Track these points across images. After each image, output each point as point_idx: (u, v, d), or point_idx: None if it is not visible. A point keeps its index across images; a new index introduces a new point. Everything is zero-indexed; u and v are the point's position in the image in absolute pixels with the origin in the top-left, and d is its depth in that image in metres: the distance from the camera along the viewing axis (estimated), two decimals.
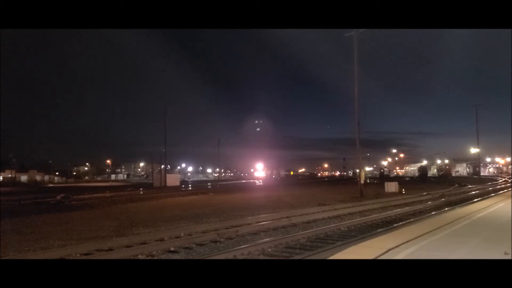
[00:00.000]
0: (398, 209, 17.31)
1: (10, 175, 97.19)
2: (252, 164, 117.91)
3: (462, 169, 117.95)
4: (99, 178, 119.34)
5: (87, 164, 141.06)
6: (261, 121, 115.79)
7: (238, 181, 77.45)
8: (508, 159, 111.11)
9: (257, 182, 68.48)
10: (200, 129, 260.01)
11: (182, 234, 11.19)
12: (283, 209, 18.25)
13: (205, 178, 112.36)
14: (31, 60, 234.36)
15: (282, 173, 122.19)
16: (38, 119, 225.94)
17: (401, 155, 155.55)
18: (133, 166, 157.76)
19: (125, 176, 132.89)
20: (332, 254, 6.52)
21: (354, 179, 57.81)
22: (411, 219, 13.96)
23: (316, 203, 21.38)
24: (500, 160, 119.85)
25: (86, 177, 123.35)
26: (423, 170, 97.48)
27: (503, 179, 58.86)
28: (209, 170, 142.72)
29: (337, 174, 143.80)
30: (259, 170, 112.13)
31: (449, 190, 32.96)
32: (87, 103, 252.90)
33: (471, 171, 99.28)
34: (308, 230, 11.39)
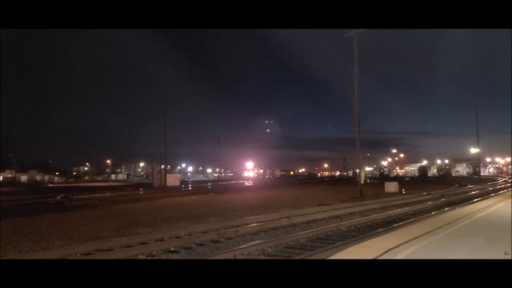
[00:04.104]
0: (398, 209, 17.30)
1: (10, 175, 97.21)
2: (251, 164, 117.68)
3: (462, 169, 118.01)
4: (99, 178, 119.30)
5: (87, 164, 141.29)
6: (261, 122, 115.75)
7: (238, 181, 77.42)
8: (508, 159, 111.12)
9: (257, 182, 68.44)
10: (200, 129, 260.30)
11: (182, 234, 11.19)
12: (283, 209, 18.25)
13: (205, 178, 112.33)
14: (31, 60, 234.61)
15: (278, 173, 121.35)
16: (38, 119, 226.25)
17: (401, 155, 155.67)
18: (133, 166, 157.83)
19: (125, 176, 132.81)
20: (332, 254, 6.52)
21: (354, 179, 57.82)
22: (411, 219, 13.96)
23: (316, 203, 21.38)
24: (500, 160, 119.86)
25: (86, 177, 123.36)
26: (423, 170, 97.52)
27: (503, 179, 58.89)
28: (209, 170, 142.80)
29: (337, 174, 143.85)
30: (258, 170, 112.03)
31: (449, 190, 32.95)
32: (87, 103, 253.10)
33: (471, 171, 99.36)
34: (308, 230, 11.38)
